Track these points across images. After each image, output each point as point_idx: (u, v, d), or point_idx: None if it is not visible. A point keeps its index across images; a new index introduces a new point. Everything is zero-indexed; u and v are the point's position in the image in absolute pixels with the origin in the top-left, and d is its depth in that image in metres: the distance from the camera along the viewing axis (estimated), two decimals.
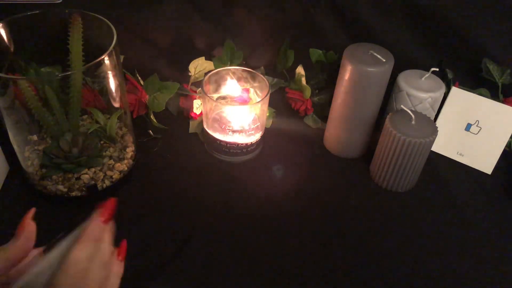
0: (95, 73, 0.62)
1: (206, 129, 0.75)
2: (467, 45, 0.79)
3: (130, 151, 0.71)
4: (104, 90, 0.66)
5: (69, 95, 0.62)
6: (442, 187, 0.74)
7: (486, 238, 0.67)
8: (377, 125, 0.76)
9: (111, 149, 0.69)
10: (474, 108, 0.75)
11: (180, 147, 0.78)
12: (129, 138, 0.72)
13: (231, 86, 0.78)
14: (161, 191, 0.70)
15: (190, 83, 0.81)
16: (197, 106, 0.79)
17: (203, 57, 0.80)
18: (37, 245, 0.41)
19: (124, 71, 0.77)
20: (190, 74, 0.80)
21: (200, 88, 0.76)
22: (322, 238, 0.65)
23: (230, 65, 0.81)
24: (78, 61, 0.61)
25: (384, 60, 0.68)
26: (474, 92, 0.76)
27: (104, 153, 0.68)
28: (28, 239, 0.40)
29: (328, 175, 0.75)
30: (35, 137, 0.68)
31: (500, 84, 0.80)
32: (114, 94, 0.66)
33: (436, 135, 0.66)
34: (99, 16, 0.62)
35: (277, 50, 0.84)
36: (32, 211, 0.41)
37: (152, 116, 0.78)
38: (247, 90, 0.79)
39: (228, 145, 0.74)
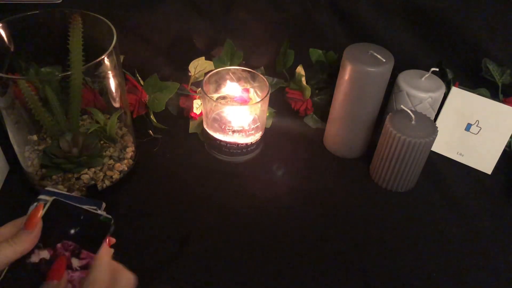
0: (95, 73, 0.62)
1: (206, 129, 0.75)
2: (467, 45, 0.79)
3: (130, 151, 0.71)
4: (104, 90, 0.66)
5: (69, 95, 0.62)
6: (442, 187, 0.74)
7: (486, 238, 0.67)
8: (377, 125, 0.76)
9: (111, 149, 0.69)
10: (474, 108, 0.75)
11: (180, 147, 0.78)
12: (129, 138, 0.72)
13: (231, 86, 0.78)
14: (161, 191, 0.70)
15: (190, 83, 0.81)
16: (197, 106, 0.79)
17: (203, 57, 0.80)
18: None
19: (124, 71, 0.77)
20: (190, 74, 0.80)
21: (200, 88, 0.76)
22: (322, 238, 0.65)
23: (230, 65, 0.81)
24: (78, 61, 0.61)
25: (384, 60, 0.68)
26: (474, 92, 0.76)
27: (104, 153, 0.68)
28: (37, 235, 0.41)
29: (328, 175, 0.75)
30: (35, 137, 0.68)
31: (500, 84, 0.79)
32: (114, 94, 0.66)
33: (436, 135, 0.66)
34: (99, 16, 0.62)
35: (277, 50, 0.84)
36: (41, 206, 0.42)
37: (152, 116, 0.78)
38: (247, 90, 0.79)
39: (228, 145, 0.74)
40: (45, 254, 0.42)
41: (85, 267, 0.42)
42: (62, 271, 0.41)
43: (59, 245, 0.42)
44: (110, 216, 0.44)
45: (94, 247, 0.43)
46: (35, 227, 0.41)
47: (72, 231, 0.43)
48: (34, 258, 0.41)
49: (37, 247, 0.42)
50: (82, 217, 0.44)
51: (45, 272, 0.40)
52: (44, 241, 0.42)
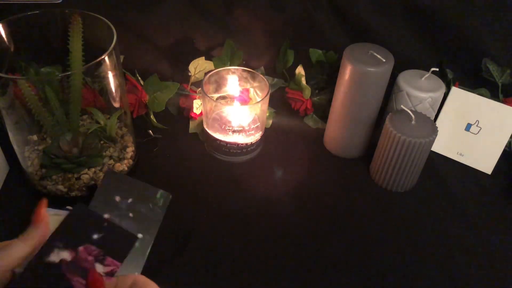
0: (95, 73, 0.62)
1: (206, 129, 0.75)
2: (467, 45, 0.79)
3: (130, 151, 0.71)
4: (104, 90, 0.66)
5: (69, 95, 0.62)
6: (442, 187, 0.74)
7: (486, 238, 0.67)
8: (377, 125, 0.76)
9: (111, 149, 0.69)
10: (474, 108, 0.75)
11: (180, 147, 0.78)
12: (129, 138, 0.72)
13: (231, 86, 0.78)
14: None
15: (190, 83, 0.81)
16: (197, 106, 0.79)
17: (203, 57, 0.80)
18: None
19: (124, 71, 0.77)
20: (190, 74, 0.80)
21: (200, 88, 0.76)
22: (322, 238, 0.65)
23: (230, 65, 0.81)
24: (78, 61, 0.61)
25: (384, 60, 0.68)
26: (474, 92, 0.76)
27: (104, 153, 0.68)
28: (45, 229, 0.42)
29: (328, 175, 0.75)
30: (35, 137, 0.68)
31: (500, 84, 0.80)
32: (114, 94, 0.66)
33: (436, 135, 0.66)
34: (99, 16, 0.62)
35: (277, 50, 0.84)
36: (45, 201, 0.42)
37: (152, 116, 0.78)
38: (247, 90, 0.79)
39: (228, 145, 0.74)
40: (66, 255, 0.41)
41: (111, 274, 0.42)
42: (101, 282, 0.41)
43: (81, 248, 0.42)
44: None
45: (119, 256, 0.43)
46: (41, 221, 0.41)
47: (95, 236, 0.43)
48: (54, 258, 0.41)
49: (57, 247, 0.42)
50: (105, 225, 0.44)
51: (67, 273, 0.40)
52: (65, 242, 0.42)
